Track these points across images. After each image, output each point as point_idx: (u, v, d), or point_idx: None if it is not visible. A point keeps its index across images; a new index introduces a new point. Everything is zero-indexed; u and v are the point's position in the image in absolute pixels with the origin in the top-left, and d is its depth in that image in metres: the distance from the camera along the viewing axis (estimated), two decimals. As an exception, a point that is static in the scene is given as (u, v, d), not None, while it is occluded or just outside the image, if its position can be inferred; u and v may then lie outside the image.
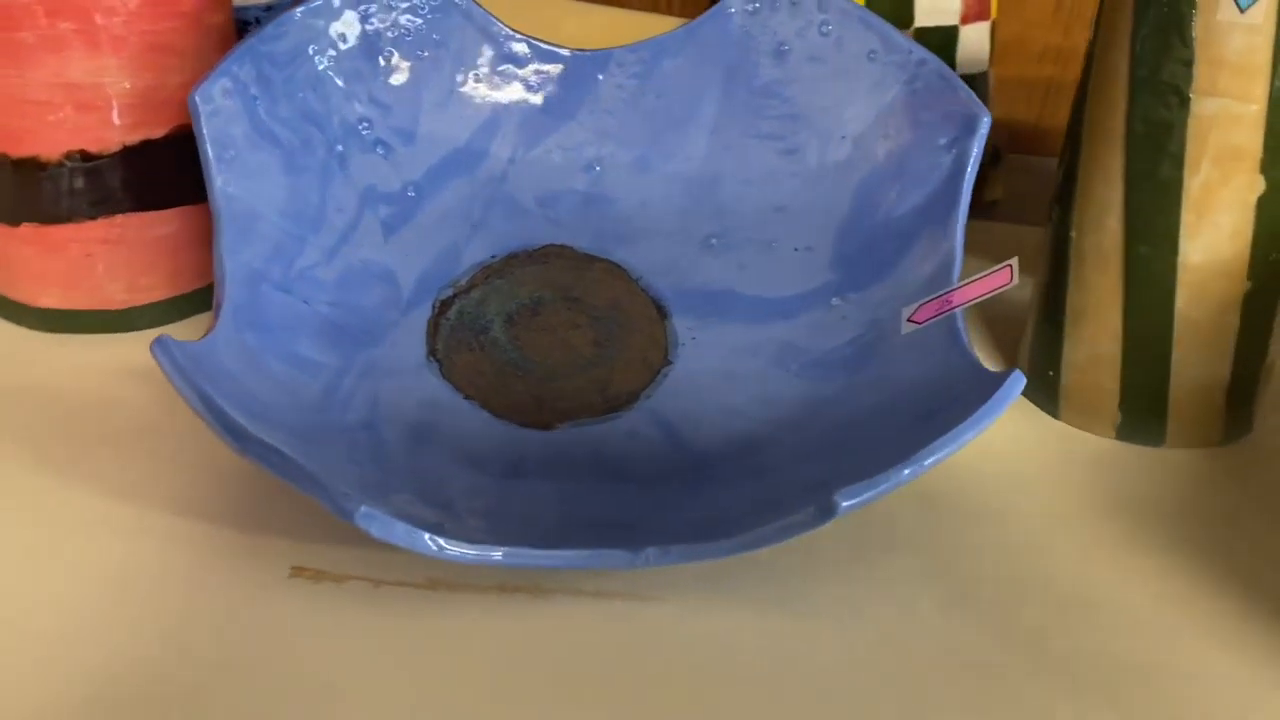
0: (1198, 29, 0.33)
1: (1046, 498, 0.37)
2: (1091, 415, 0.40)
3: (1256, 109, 0.33)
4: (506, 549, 0.27)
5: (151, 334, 0.43)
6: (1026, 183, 0.63)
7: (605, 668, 0.29)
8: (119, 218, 0.42)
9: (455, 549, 0.27)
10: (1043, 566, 0.34)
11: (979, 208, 0.60)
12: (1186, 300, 0.37)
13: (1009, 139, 0.70)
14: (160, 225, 0.42)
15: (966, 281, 0.35)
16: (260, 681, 0.28)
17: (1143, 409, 0.39)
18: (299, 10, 0.39)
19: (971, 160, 0.37)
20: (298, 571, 0.32)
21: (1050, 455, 0.39)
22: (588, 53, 0.43)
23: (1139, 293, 0.37)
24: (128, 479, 0.35)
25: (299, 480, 0.27)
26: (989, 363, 0.44)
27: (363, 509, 0.26)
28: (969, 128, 0.37)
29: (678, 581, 0.32)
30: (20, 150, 0.40)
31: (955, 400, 0.31)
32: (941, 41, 0.56)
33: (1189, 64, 0.34)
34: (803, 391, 0.37)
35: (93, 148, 0.40)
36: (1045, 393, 0.41)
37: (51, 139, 0.40)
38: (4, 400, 0.39)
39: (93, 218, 0.41)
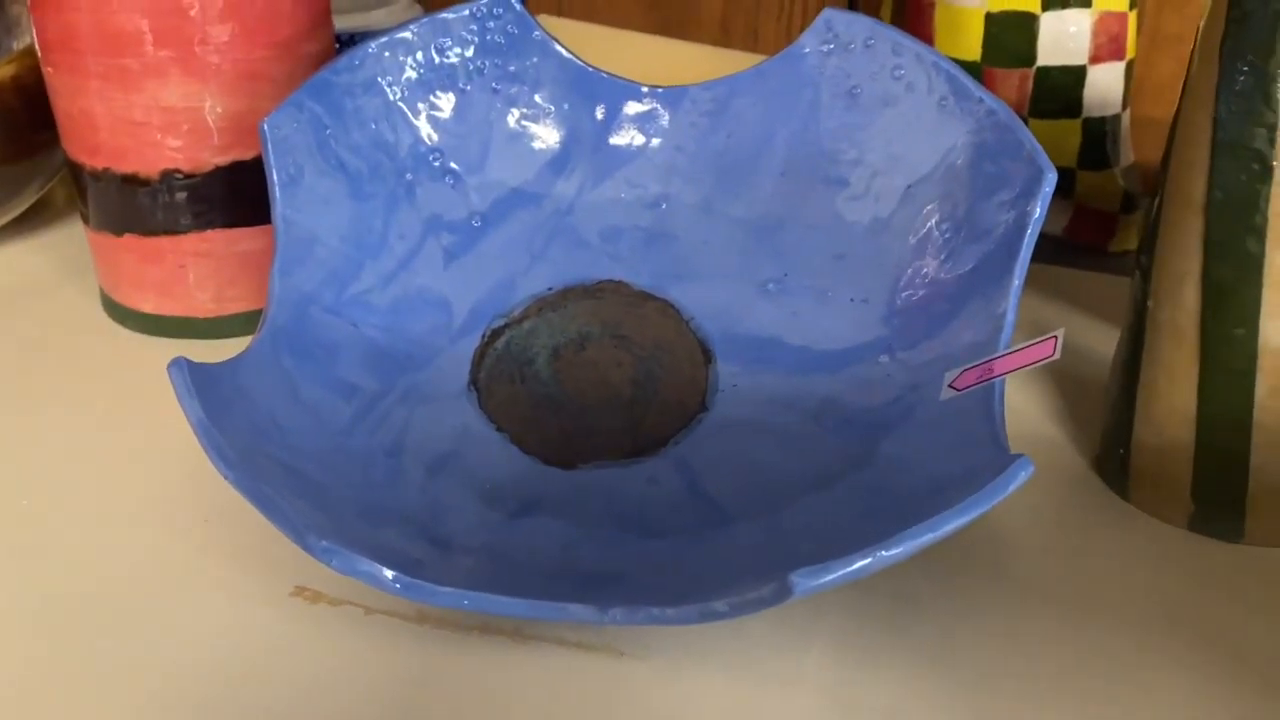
0: (1278, 91, 0.30)
1: (1095, 584, 0.34)
2: (1160, 502, 0.36)
3: (1348, 181, 0.30)
4: (470, 593, 0.28)
5: (238, 343, 0.46)
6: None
7: (566, 723, 0.29)
8: (210, 232, 0.44)
9: (415, 589, 0.27)
10: (1069, 657, 0.31)
11: (1108, 258, 0.56)
12: (1268, 389, 0.33)
13: (1151, 185, 0.65)
14: (246, 241, 0.45)
15: (1010, 350, 0.33)
16: (240, 695, 0.30)
17: (1218, 501, 0.35)
18: (373, 44, 0.40)
19: (1032, 221, 0.34)
20: (299, 591, 0.33)
21: (1107, 537, 0.36)
22: (662, 89, 0.43)
23: (1215, 375, 0.34)
24: (171, 480, 0.38)
25: (270, 513, 0.28)
26: (1057, 429, 0.41)
27: (323, 544, 0.27)
28: (1032, 186, 0.35)
29: (663, 638, 0.31)
30: (124, 166, 0.43)
31: (970, 478, 0.29)
32: (1069, 82, 0.53)
33: (1273, 129, 0.30)
34: (832, 452, 0.36)
35: (188, 167, 0.43)
36: (1116, 471, 0.38)
37: (152, 158, 0.43)
38: (94, 395, 0.43)
39: (186, 231, 0.44)
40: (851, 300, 0.39)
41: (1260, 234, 0.32)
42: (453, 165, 0.42)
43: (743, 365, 0.40)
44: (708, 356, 0.40)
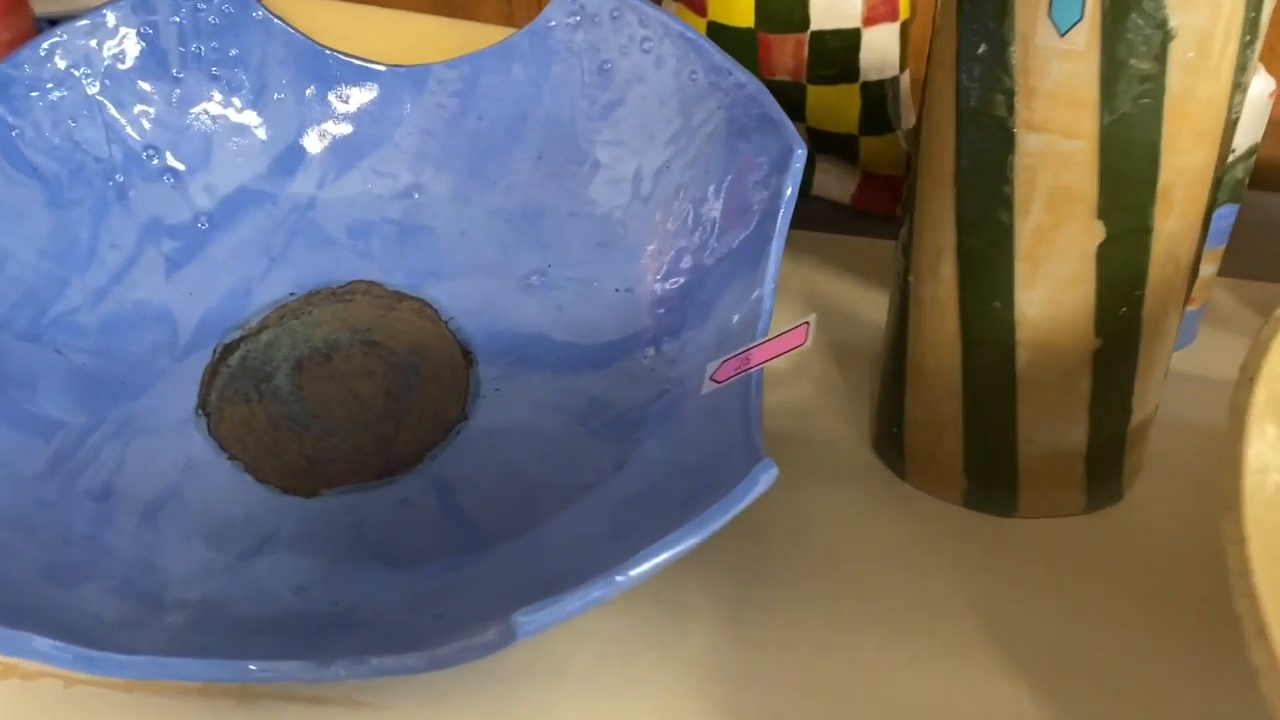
0: (1018, 56, 0.29)
1: (874, 565, 0.33)
2: (936, 479, 0.36)
3: (1085, 145, 0.29)
4: (150, 659, 0.24)
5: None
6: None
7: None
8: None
9: (86, 661, 0.24)
10: (844, 649, 0.30)
11: (895, 222, 0.56)
12: (1028, 360, 0.32)
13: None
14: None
15: (766, 339, 0.31)
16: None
17: (990, 477, 0.35)
18: (61, 30, 0.36)
19: (785, 200, 0.33)
20: (-14, 666, 0.29)
21: (886, 519, 0.35)
22: (404, 69, 0.40)
23: (977, 349, 0.33)
24: None
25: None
26: (839, 407, 0.40)
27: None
28: (782, 161, 0.33)
29: (407, 685, 0.29)
30: None
31: (719, 482, 0.27)
32: (844, 46, 0.52)
33: (1011, 94, 0.29)
34: (595, 456, 0.33)
35: None
36: (892, 451, 0.37)
37: None
38: None
39: None
40: (617, 290, 0.37)
41: (1008, 203, 0.31)
42: (171, 162, 0.38)
43: (506, 366, 0.37)
44: (469, 359, 0.37)
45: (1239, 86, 0.29)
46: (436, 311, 0.38)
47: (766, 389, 0.41)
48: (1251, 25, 0.28)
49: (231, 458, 0.34)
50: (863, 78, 0.53)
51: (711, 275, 0.35)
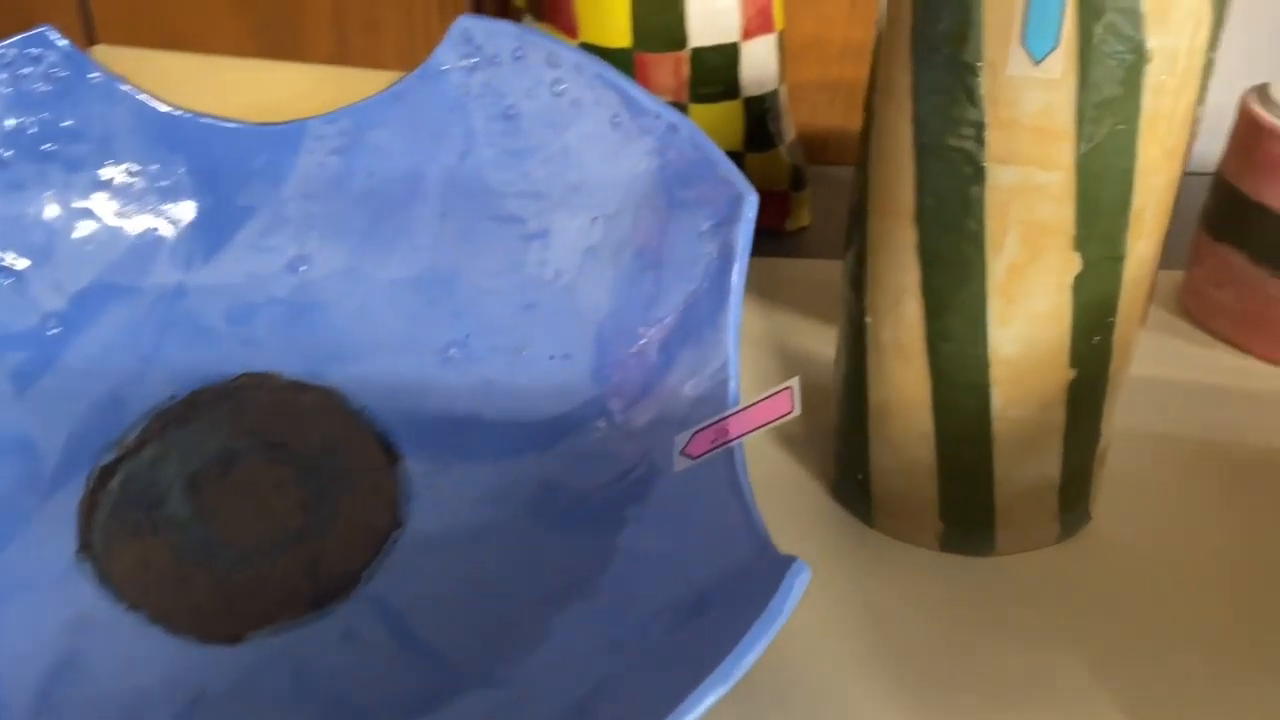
0: (986, 86, 0.27)
1: (853, 621, 0.31)
2: (909, 525, 0.34)
3: (1062, 177, 0.28)
4: None
5: None
6: (838, 197, 0.58)
7: None
8: None
9: None
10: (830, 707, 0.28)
11: (784, 238, 0.54)
12: (1004, 399, 0.31)
13: (813, 152, 0.64)
14: None
15: (744, 406, 0.29)
16: None
17: (966, 518, 0.33)
18: None
19: (739, 252, 0.30)
20: None
21: (865, 569, 0.33)
22: (274, 127, 0.35)
23: (949, 392, 0.31)
24: None
25: None
26: (781, 448, 0.38)
27: None
28: (733, 211, 0.30)
29: None
30: None
31: (733, 584, 0.25)
32: (724, 62, 0.49)
33: (980, 127, 0.28)
34: (563, 555, 0.30)
35: None
36: (857, 498, 0.35)
37: None
38: None
39: None
40: (552, 358, 0.34)
41: (978, 240, 0.29)
42: (7, 260, 0.32)
43: (438, 458, 0.33)
44: (392, 454, 0.33)
45: (1201, 102, 0.29)
46: (345, 401, 0.34)
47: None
48: (1215, 41, 0.27)
49: (132, 607, 0.29)
50: (744, 93, 0.51)
51: (662, 337, 0.32)
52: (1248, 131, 0.43)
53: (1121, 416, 0.40)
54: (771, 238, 0.54)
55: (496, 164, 0.34)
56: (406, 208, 0.35)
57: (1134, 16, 0.26)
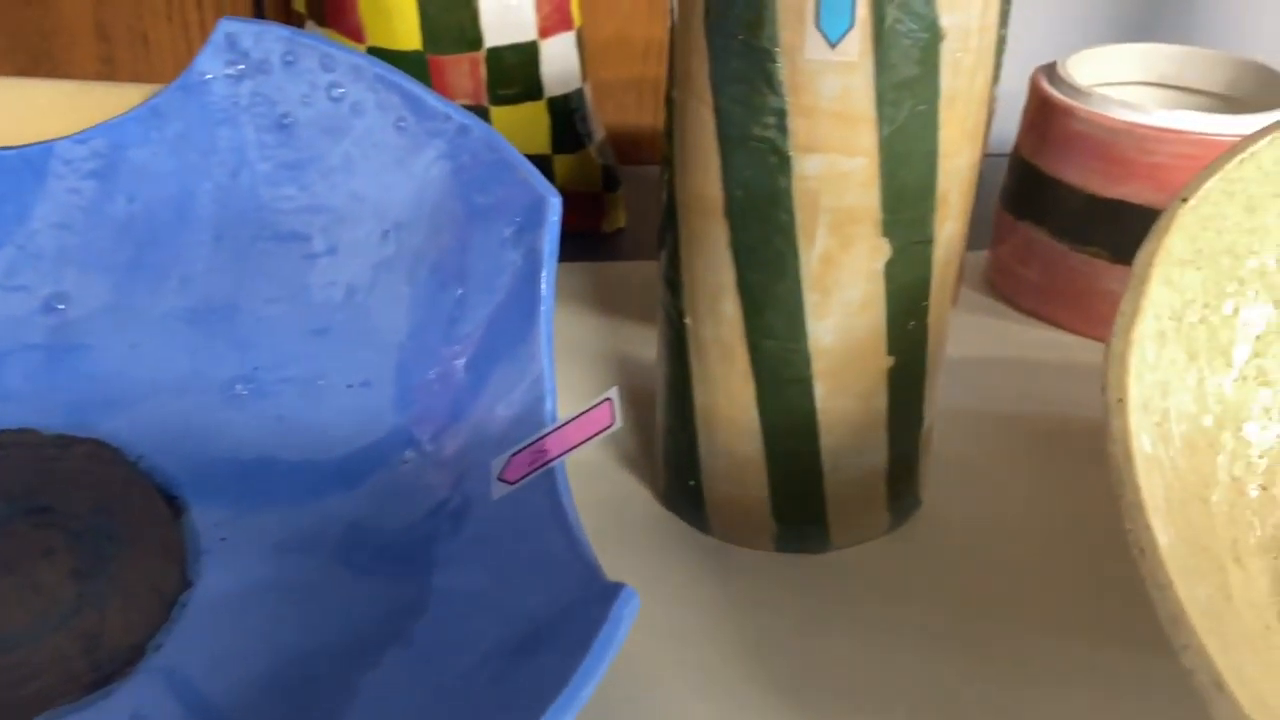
0: (785, 72, 0.26)
1: (694, 632, 0.29)
2: (744, 528, 0.33)
3: (866, 162, 0.27)
4: None
5: None
6: (653, 197, 0.57)
7: None
8: None
9: None
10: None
11: (601, 241, 0.53)
12: (826, 390, 0.30)
13: (624, 152, 0.63)
14: None
15: (562, 423, 0.27)
16: None
17: (799, 515, 0.32)
18: None
19: (546, 259, 0.28)
20: None
21: (702, 578, 0.32)
22: (13, 151, 0.31)
23: (772, 387, 0.30)
24: None
25: None
26: (607, 455, 0.36)
27: None
28: (536, 215, 0.28)
29: None
30: None
31: (561, 618, 0.23)
32: (522, 61, 0.48)
33: (782, 115, 0.27)
34: (376, 597, 0.27)
35: None
36: (688, 505, 0.34)
37: None
38: None
39: None
40: (350, 386, 0.31)
41: (789, 232, 0.28)
42: None
43: (230, 506, 0.30)
44: (176, 506, 0.30)
45: (996, 80, 0.28)
46: (119, 452, 0.30)
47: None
48: (1005, 17, 0.27)
49: None
50: (547, 93, 0.49)
51: (470, 354, 0.30)
52: (1039, 109, 0.44)
53: (941, 398, 0.40)
54: (588, 241, 0.53)
55: (272, 179, 0.31)
56: (176, 233, 0.32)
57: (925, -6, 0.25)
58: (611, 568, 0.32)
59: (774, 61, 0.26)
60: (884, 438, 0.32)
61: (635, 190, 0.57)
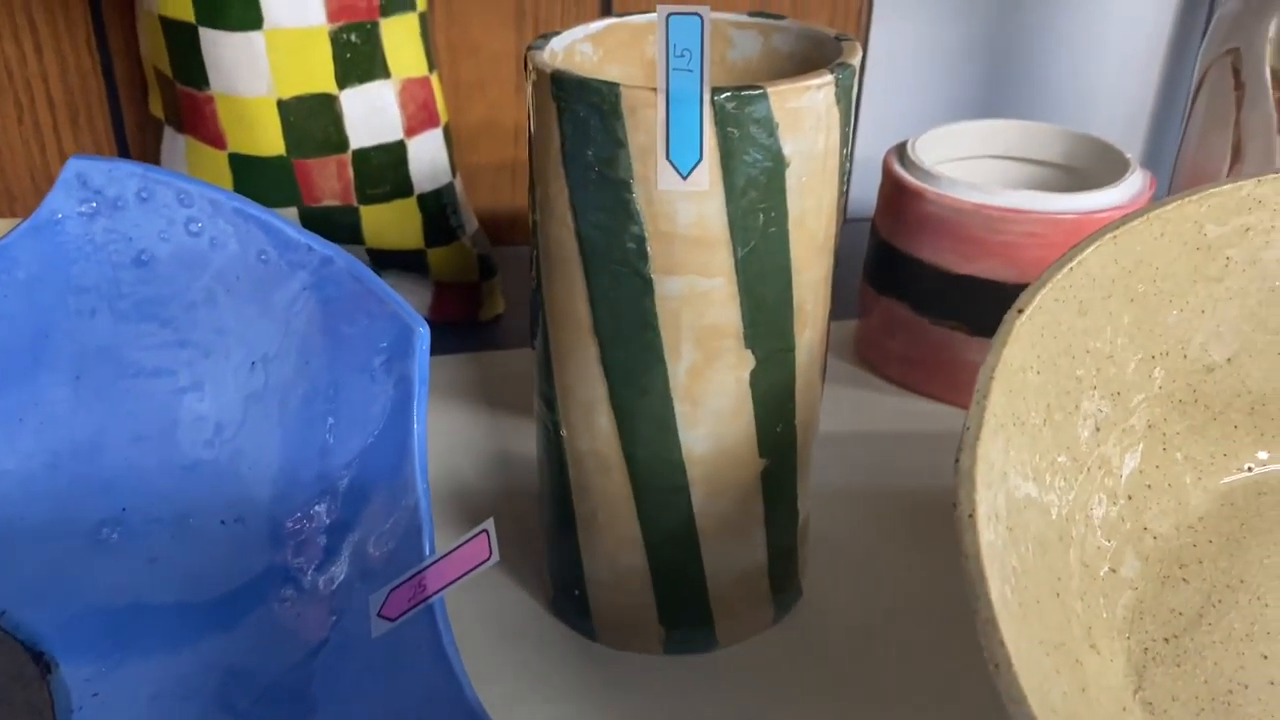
0: (641, 201, 0.27)
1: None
2: (631, 634, 0.33)
3: (724, 282, 0.28)
4: None
5: None
6: (527, 280, 0.57)
7: None
8: None
9: None
10: None
11: (481, 329, 0.53)
12: (703, 495, 0.31)
13: (499, 234, 0.63)
14: None
15: (440, 556, 0.27)
16: None
17: (685, 618, 0.33)
18: None
19: (417, 389, 0.28)
20: None
21: (589, 688, 0.32)
22: None
23: (651, 497, 0.31)
24: None
25: None
26: (514, 582, 0.36)
27: None
28: (405, 345, 0.29)
29: None
30: None
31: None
32: (390, 160, 0.48)
33: (641, 240, 0.27)
34: (257, 748, 0.27)
35: None
36: (574, 612, 0.34)
37: None
38: None
39: None
40: (224, 523, 0.31)
41: (656, 348, 0.29)
42: None
43: (101, 659, 0.29)
44: (44, 664, 0.29)
45: (843, 196, 0.30)
46: (-21, 609, 0.29)
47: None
48: (846, 139, 0.29)
49: None
50: (417, 190, 0.49)
51: (345, 486, 0.29)
52: (892, 190, 0.46)
53: (815, 477, 0.41)
54: (467, 331, 0.53)
55: (132, 315, 0.31)
56: (31, 375, 0.31)
57: (768, 125, 0.26)
58: (499, 678, 0.32)
59: (630, 192, 0.27)
60: (762, 536, 0.32)
61: (513, 272, 0.58)
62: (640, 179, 0.27)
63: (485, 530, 0.26)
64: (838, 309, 0.53)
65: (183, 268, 0.31)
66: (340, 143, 0.46)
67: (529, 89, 0.29)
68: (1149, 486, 0.29)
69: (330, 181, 0.47)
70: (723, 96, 0.25)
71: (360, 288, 0.29)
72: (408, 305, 0.29)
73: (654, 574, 0.32)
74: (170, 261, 0.31)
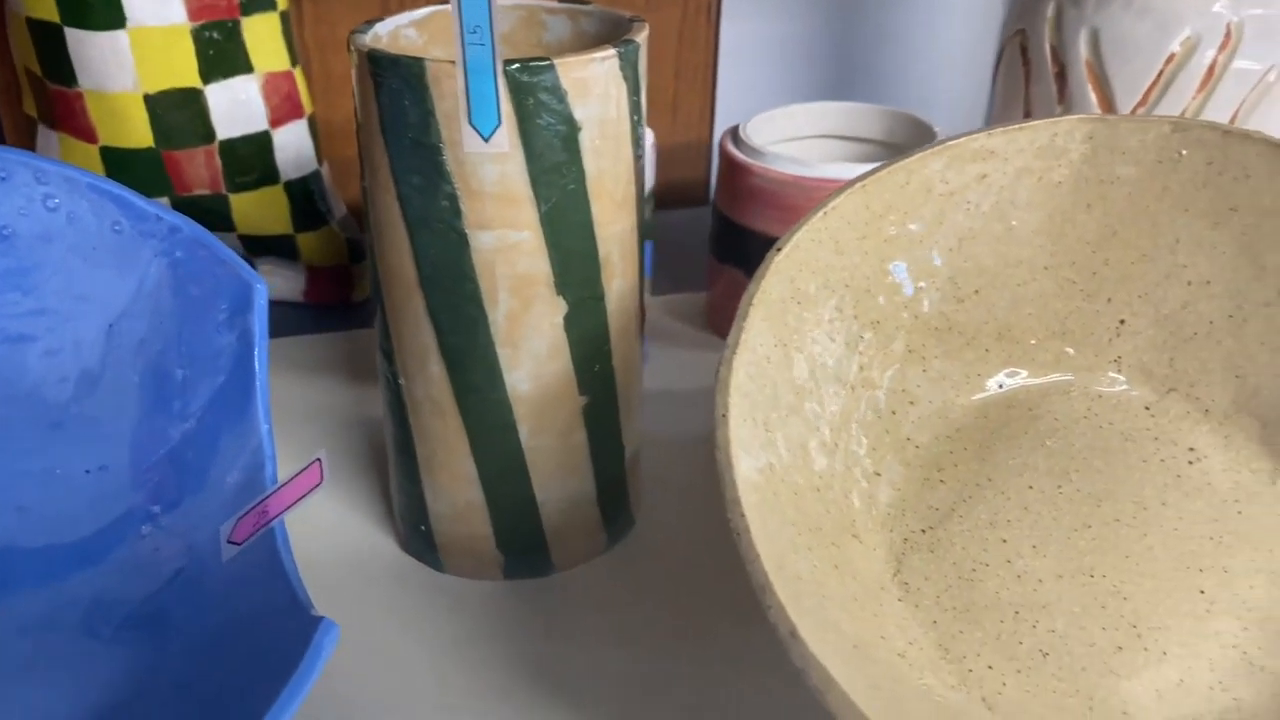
0: (451, 163, 0.31)
1: (434, 661, 0.33)
2: (474, 563, 0.37)
3: (531, 235, 0.31)
4: None
5: None
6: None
7: None
8: None
9: None
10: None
11: (353, 310, 0.56)
12: (529, 430, 0.34)
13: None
14: None
15: (280, 486, 0.30)
16: None
17: (521, 545, 0.36)
18: None
19: (257, 340, 0.31)
20: None
21: (437, 614, 0.35)
22: None
23: (482, 436, 0.34)
24: None
25: None
26: (358, 514, 0.39)
27: None
28: (244, 301, 0.32)
29: None
30: None
31: (275, 655, 0.26)
32: (256, 150, 0.50)
33: (455, 199, 0.31)
34: (124, 666, 0.30)
35: None
36: (424, 547, 0.37)
37: None
38: None
39: None
40: (88, 472, 0.33)
41: (476, 298, 0.32)
42: None
43: (-31, 598, 0.31)
44: (-84, 604, 0.31)
45: (639, 159, 0.34)
46: None
47: (292, 531, 0.39)
48: (635, 107, 0.32)
49: None
50: (284, 177, 0.52)
51: (196, 433, 0.32)
52: (726, 168, 0.50)
53: (655, 426, 0.45)
54: (340, 312, 0.56)
55: (-3, 286, 0.33)
56: (-99, 343, 0.33)
57: (558, 93, 0.30)
58: (358, 612, 0.35)
59: (441, 155, 0.30)
60: (589, 468, 0.36)
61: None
62: (449, 143, 0.30)
63: (318, 459, 0.29)
64: (692, 283, 0.58)
65: (41, 241, 0.33)
66: (207, 134, 0.49)
67: (353, 70, 0.32)
68: (911, 403, 0.34)
69: (199, 171, 0.50)
70: (514, 68, 0.29)
71: (206, 252, 0.32)
72: (247, 266, 0.32)
73: (490, 506, 0.35)
74: (29, 235, 0.33)
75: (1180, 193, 0.33)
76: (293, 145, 0.52)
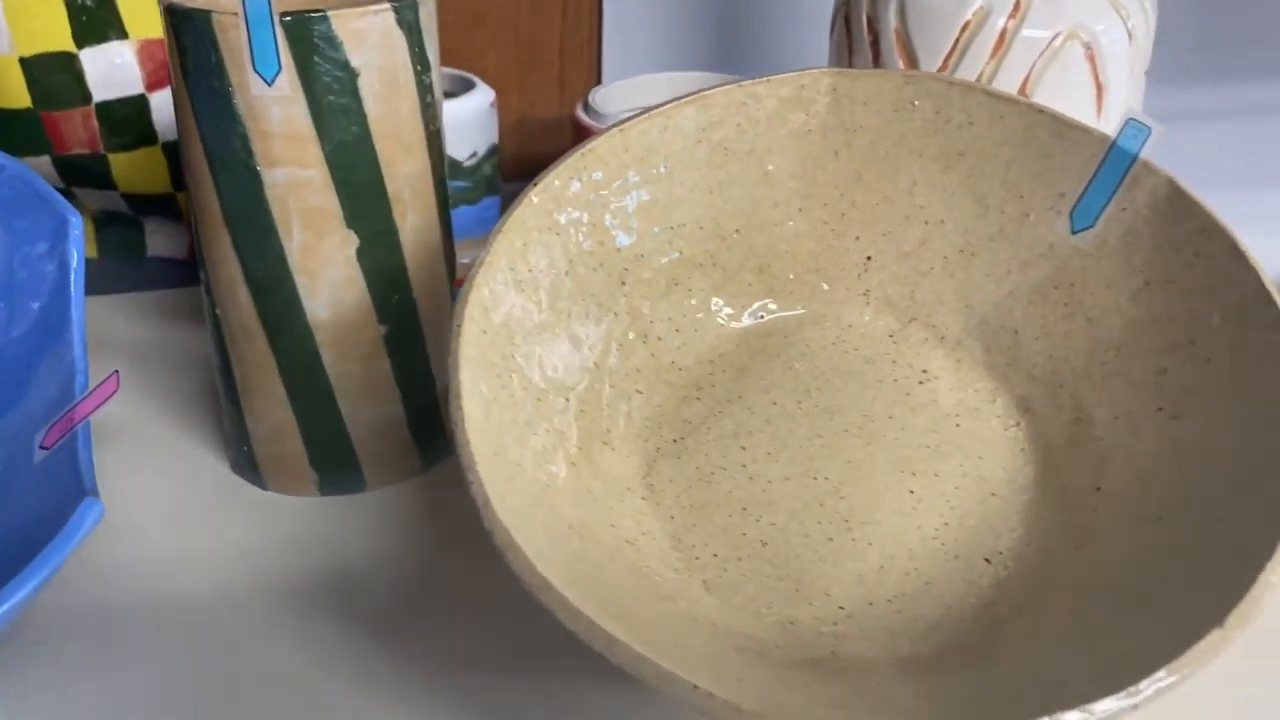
0: (242, 106, 0.34)
1: (250, 570, 0.36)
2: (291, 480, 0.40)
3: (318, 173, 0.35)
4: None
5: None
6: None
7: None
8: None
9: None
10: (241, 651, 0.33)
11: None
12: (332, 356, 0.38)
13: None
14: None
15: (84, 396, 0.33)
16: None
17: (334, 464, 0.40)
18: None
19: (74, 268, 0.35)
20: None
21: (257, 527, 0.39)
22: None
23: (288, 359, 0.38)
24: None
25: None
26: (200, 443, 0.43)
27: None
28: (61, 232, 0.35)
29: None
30: None
31: (63, 536, 0.29)
32: (131, 112, 0.54)
33: (247, 139, 0.34)
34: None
35: None
36: (247, 467, 0.41)
37: None
38: None
39: None
40: (-76, 390, 0.36)
41: (273, 231, 0.36)
42: None
43: None
44: None
45: (428, 106, 0.37)
46: None
47: (135, 459, 0.42)
48: (420, 58, 0.36)
49: None
50: (162, 138, 0.55)
51: (18, 353, 0.36)
52: (578, 135, 0.54)
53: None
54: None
55: None
56: None
57: (334, 42, 0.33)
58: (187, 529, 0.39)
59: (232, 99, 0.34)
60: (396, 394, 0.39)
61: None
62: (239, 87, 0.34)
63: (115, 371, 0.33)
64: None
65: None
66: (84, 96, 0.52)
67: (164, 25, 0.35)
68: (677, 330, 0.37)
69: (77, 131, 0.53)
70: (289, 19, 0.33)
71: (28, 188, 0.36)
72: (65, 201, 0.35)
73: (301, 427, 0.39)
74: None
75: (915, 140, 0.37)
76: (169, 108, 0.55)
